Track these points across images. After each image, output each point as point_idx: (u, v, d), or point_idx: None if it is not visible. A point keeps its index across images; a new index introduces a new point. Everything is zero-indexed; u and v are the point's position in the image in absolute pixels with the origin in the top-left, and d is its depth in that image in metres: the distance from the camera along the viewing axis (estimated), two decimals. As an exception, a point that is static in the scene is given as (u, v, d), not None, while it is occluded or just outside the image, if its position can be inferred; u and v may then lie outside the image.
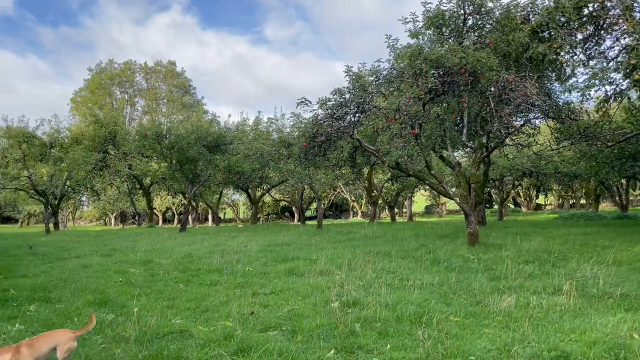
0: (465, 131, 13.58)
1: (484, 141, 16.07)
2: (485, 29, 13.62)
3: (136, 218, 52.11)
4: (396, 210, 47.28)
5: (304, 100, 13.15)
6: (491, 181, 29.74)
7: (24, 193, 35.15)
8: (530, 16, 13.38)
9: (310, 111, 13.87)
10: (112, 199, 50.98)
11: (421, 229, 19.93)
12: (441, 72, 12.03)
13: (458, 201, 13.27)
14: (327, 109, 13.31)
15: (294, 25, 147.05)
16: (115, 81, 68.76)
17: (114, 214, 65.75)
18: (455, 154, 18.02)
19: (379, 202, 40.52)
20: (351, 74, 13.12)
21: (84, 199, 47.72)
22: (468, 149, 19.56)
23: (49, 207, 31.34)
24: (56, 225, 33.41)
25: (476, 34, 13.62)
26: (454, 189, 23.46)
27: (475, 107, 13.63)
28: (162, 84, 71.11)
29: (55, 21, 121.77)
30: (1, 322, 5.89)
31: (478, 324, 5.68)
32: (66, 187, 32.23)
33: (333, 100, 13.31)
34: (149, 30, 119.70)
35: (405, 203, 48.86)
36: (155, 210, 55.39)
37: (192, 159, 25.26)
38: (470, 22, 13.51)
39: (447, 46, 12.37)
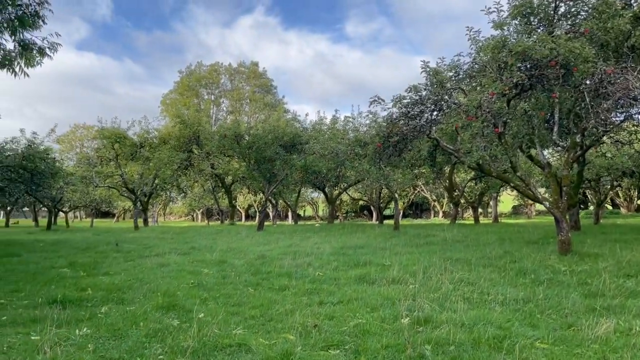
0: (556, 129, 12.40)
1: (578, 139, 14.71)
2: (579, 16, 12.39)
3: (220, 215, 54.04)
4: (481, 210, 45.24)
5: (376, 98, 12.64)
6: (586, 181, 27.42)
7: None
8: (632, 1, 12.05)
9: (385, 109, 13.37)
10: (197, 197, 53.32)
11: (506, 233, 18.73)
12: (528, 65, 11.03)
13: (548, 206, 12.16)
14: (401, 108, 12.71)
15: (374, 20, 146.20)
16: (202, 83, 71.86)
17: (201, 210, 68.81)
18: (546, 153, 16.67)
19: (462, 201, 38.94)
20: (428, 69, 12.42)
21: (173, 195, 50.37)
22: (559, 148, 18.15)
23: (139, 203, 33.15)
24: (145, 221, 35.28)
25: (569, 22, 12.42)
26: (542, 190, 21.87)
27: (568, 102, 12.46)
28: (246, 85, 73.38)
29: (149, 26, 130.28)
30: (70, 325, 5.98)
31: (569, 353, 4.95)
32: (154, 185, 33.95)
33: (408, 98, 12.68)
34: (234, 32, 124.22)
35: (491, 203, 46.58)
36: (237, 207, 57.13)
37: (269, 159, 25.57)
38: (562, 9, 12.35)
39: (535, 37, 11.35)
